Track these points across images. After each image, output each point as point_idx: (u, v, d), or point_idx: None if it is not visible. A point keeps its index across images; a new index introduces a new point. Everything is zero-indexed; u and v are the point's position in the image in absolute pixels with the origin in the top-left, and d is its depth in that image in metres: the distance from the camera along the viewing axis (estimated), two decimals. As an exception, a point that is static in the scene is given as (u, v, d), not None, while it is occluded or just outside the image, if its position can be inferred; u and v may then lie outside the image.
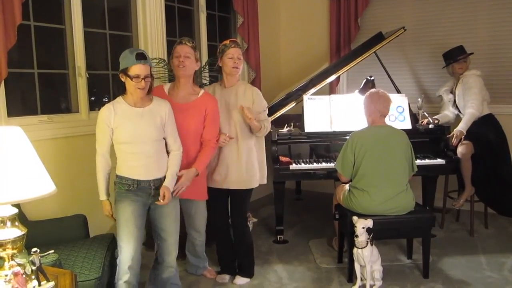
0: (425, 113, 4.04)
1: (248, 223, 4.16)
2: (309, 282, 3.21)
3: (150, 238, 3.03)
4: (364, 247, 2.97)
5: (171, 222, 2.64)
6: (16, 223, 1.81)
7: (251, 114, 2.87)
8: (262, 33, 5.13)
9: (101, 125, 2.48)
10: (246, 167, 3.02)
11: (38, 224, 2.66)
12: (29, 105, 3.26)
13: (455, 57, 4.07)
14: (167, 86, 2.89)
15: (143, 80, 2.41)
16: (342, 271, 3.32)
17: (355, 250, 3.02)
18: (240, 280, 3.19)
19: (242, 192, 3.07)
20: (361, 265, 3.05)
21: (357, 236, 2.96)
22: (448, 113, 4.17)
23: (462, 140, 3.86)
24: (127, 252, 2.47)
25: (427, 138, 3.93)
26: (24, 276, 1.74)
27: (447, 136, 3.90)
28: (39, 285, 1.80)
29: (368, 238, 2.97)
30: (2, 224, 1.75)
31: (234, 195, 3.11)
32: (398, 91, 4.22)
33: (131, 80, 2.41)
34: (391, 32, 4.32)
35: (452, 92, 4.16)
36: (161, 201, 2.49)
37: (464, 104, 3.96)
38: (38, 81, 3.24)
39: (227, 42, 3.01)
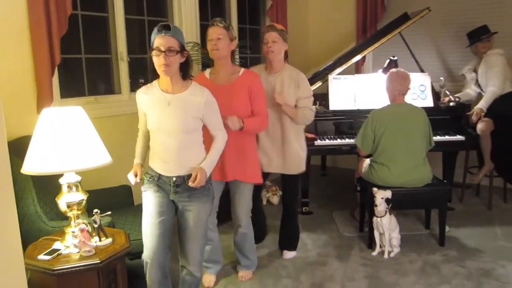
0: (446, 91, 4.19)
1: (276, 195, 4.50)
2: (331, 248, 3.49)
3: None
4: (383, 216, 3.23)
5: (192, 227, 2.33)
6: (80, 189, 2.15)
7: (280, 100, 2.93)
8: (290, 15, 5.32)
9: (138, 107, 2.35)
10: (289, 154, 3.08)
11: (91, 193, 2.97)
12: (77, 87, 3.60)
13: (478, 36, 4.19)
14: (207, 72, 2.81)
15: (163, 54, 2.07)
16: (363, 239, 3.59)
17: (374, 218, 3.28)
18: (289, 254, 3.37)
19: (290, 176, 3.17)
20: (380, 233, 3.31)
21: (376, 206, 3.21)
22: (470, 91, 4.31)
23: (482, 117, 4.00)
24: (148, 245, 2.31)
25: (448, 115, 4.08)
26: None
27: (468, 113, 4.05)
28: (100, 240, 2.15)
29: (386, 208, 3.22)
30: (69, 189, 2.11)
31: (285, 179, 3.22)
32: (422, 70, 4.36)
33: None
34: (416, 12, 4.43)
35: (475, 71, 4.29)
36: (191, 183, 2.19)
37: (486, 83, 4.09)
38: (85, 65, 3.58)
39: (265, 28, 3.09)
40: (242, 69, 2.77)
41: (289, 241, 3.43)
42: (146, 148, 2.42)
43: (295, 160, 3.11)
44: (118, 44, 3.70)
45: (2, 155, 1.67)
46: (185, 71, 2.22)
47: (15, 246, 1.75)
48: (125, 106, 3.66)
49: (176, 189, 2.27)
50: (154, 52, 2.11)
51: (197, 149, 2.31)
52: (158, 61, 2.11)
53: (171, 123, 2.19)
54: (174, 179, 2.25)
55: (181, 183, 2.26)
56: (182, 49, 2.15)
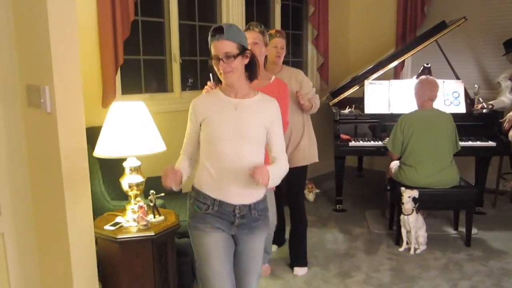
0: (480, 98, 4.31)
1: (312, 193, 4.75)
2: (360, 243, 3.73)
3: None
4: (410, 214, 3.43)
5: (255, 260, 2.07)
6: (140, 172, 2.52)
7: (303, 100, 3.04)
8: (332, 21, 5.56)
9: (189, 118, 2.04)
10: (305, 145, 3.17)
11: (146, 179, 3.36)
12: (135, 85, 4.01)
13: (514, 45, 4.29)
14: None
15: (221, 61, 1.87)
16: (391, 236, 3.79)
17: (402, 216, 3.49)
18: (300, 270, 3.25)
19: (301, 168, 3.17)
20: (407, 230, 3.52)
21: (403, 204, 3.42)
22: (505, 99, 4.41)
23: (515, 125, 4.12)
24: None
25: (481, 122, 4.22)
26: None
27: (500, 120, 4.17)
28: (154, 217, 2.51)
29: (413, 207, 3.42)
30: (131, 172, 2.47)
31: (294, 173, 3.12)
32: (457, 77, 4.50)
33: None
34: (453, 21, 4.57)
35: (511, 79, 4.39)
36: (250, 171, 1.83)
37: (521, 91, 4.20)
38: (143, 66, 3.98)
39: (272, 32, 3.12)
40: (273, 77, 2.81)
41: (297, 253, 3.30)
42: (190, 170, 2.10)
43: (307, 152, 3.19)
44: (172, 46, 4.08)
45: (81, 145, 2.06)
46: (251, 73, 1.98)
47: (88, 218, 2.14)
48: (176, 103, 4.03)
49: (241, 221, 1.96)
50: (213, 61, 1.92)
51: None
52: (217, 69, 1.92)
53: (238, 128, 1.91)
54: (238, 209, 1.94)
55: (246, 212, 1.96)
56: (242, 50, 1.90)
